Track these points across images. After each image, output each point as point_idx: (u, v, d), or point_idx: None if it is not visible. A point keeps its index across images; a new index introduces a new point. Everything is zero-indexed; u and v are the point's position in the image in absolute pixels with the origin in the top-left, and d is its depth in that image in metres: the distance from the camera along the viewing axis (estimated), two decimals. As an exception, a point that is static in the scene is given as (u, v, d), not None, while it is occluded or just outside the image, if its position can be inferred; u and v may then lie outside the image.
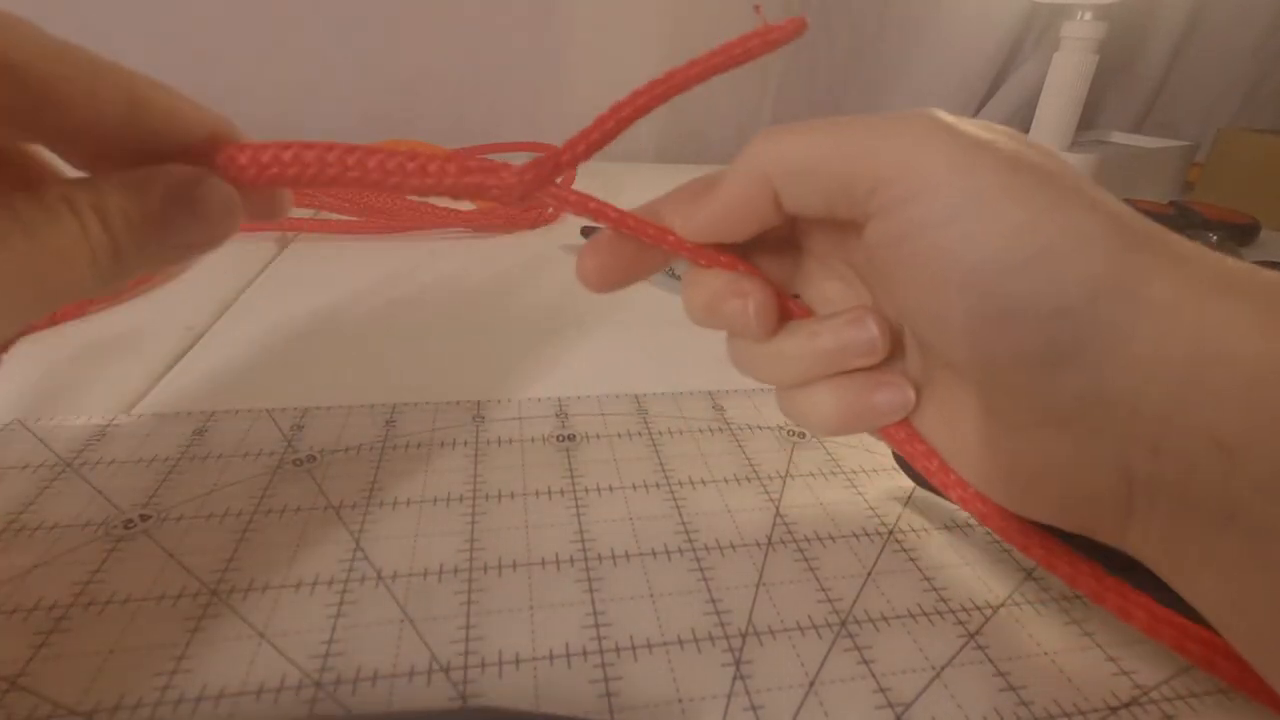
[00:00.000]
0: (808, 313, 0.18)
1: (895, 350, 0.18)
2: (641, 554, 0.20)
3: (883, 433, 0.18)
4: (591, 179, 0.63)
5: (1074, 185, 0.14)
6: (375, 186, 0.15)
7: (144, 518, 0.20)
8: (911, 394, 0.18)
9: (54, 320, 0.31)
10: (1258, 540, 0.12)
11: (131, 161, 0.14)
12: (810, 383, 0.18)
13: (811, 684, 0.16)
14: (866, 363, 0.18)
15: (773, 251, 0.19)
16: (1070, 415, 0.14)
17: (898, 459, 0.23)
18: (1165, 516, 0.13)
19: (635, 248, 0.18)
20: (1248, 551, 0.12)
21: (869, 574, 0.19)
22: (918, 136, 0.14)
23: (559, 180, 0.17)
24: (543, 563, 0.19)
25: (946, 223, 0.14)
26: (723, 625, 0.17)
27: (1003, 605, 0.18)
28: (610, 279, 0.18)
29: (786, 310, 0.18)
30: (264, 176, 0.15)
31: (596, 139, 0.17)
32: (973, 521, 0.21)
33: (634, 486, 0.22)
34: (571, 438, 0.25)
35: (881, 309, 0.18)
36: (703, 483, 0.23)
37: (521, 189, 0.16)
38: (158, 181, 0.14)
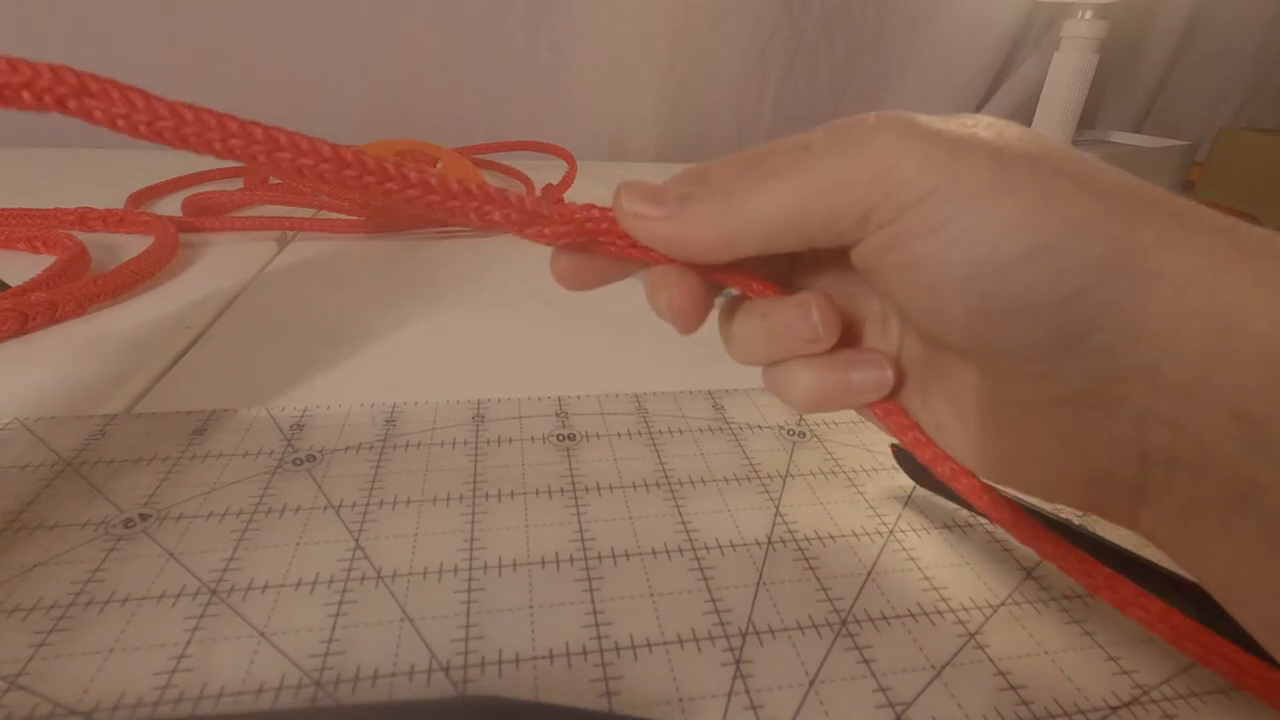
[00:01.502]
0: (768, 292, 0.18)
1: (859, 333, 0.18)
2: (641, 553, 0.20)
3: (878, 416, 0.18)
4: (593, 179, 0.63)
5: (1061, 168, 0.13)
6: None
7: (144, 517, 0.20)
8: (889, 374, 0.17)
9: (54, 319, 0.31)
10: (1276, 522, 0.12)
11: None
12: (788, 359, 0.18)
13: (812, 683, 0.16)
14: (812, 350, 0.17)
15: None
16: (1084, 394, 0.14)
17: (898, 458, 0.23)
18: (1181, 496, 0.13)
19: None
20: (1264, 534, 0.12)
21: (869, 573, 0.19)
22: (889, 151, 0.14)
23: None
24: (542, 562, 0.19)
25: (937, 229, 0.14)
26: (723, 624, 0.17)
27: (1003, 605, 0.18)
28: (584, 279, 0.18)
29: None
30: None
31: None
32: (973, 521, 0.21)
33: (634, 486, 0.22)
34: (571, 437, 0.25)
35: (874, 297, 0.18)
36: (703, 482, 0.23)
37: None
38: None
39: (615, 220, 0.17)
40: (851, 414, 0.27)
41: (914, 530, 0.21)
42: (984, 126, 0.14)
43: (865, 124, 0.14)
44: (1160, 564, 0.18)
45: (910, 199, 0.14)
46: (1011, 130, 0.14)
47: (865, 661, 0.17)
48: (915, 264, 0.14)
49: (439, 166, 0.54)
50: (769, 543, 0.20)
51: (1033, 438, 0.15)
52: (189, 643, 0.16)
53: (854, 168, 0.14)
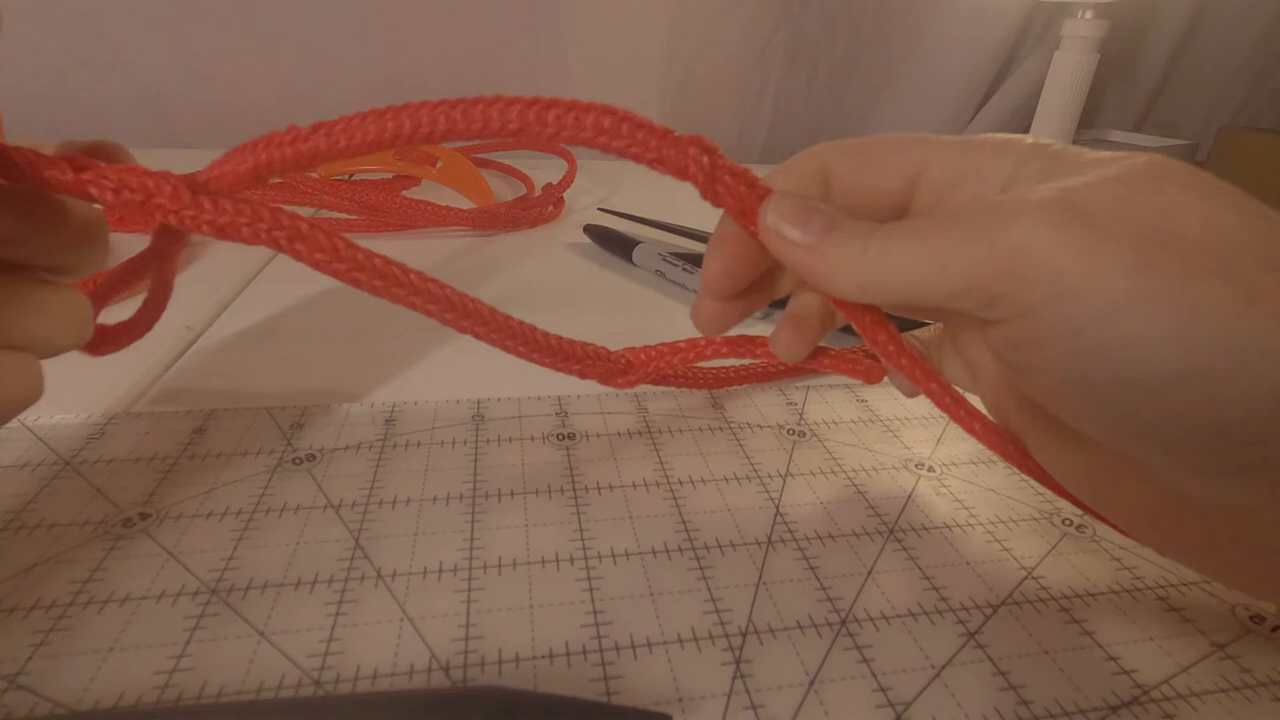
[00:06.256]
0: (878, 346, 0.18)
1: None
2: (641, 553, 0.20)
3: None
4: (593, 178, 0.63)
5: (1228, 269, 0.11)
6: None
7: (143, 516, 0.20)
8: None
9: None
10: None
11: None
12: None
13: (811, 683, 0.16)
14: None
15: None
16: (1262, 513, 0.12)
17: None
18: None
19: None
20: None
21: (869, 573, 0.19)
22: (1022, 240, 0.12)
23: None
24: (542, 561, 0.19)
25: (1067, 337, 0.12)
26: (723, 624, 0.17)
27: (1003, 604, 0.18)
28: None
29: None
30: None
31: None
32: (973, 520, 0.21)
33: (634, 485, 0.22)
34: (571, 436, 0.25)
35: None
36: (702, 481, 0.23)
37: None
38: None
39: (686, 360, 0.21)
40: (852, 414, 0.27)
41: (914, 530, 0.21)
42: (1139, 206, 0.12)
43: (1001, 208, 0.13)
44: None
45: (1037, 299, 0.12)
46: (1187, 204, 0.12)
47: (865, 661, 0.17)
48: (1043, 368, 0.13)
49: (438, 166, 0.54)
50: (769, 542, 0.20)
51: (1186, 522, 0.14)
52: (188, 642, 0.16)
53: (983, 253, 0.13)
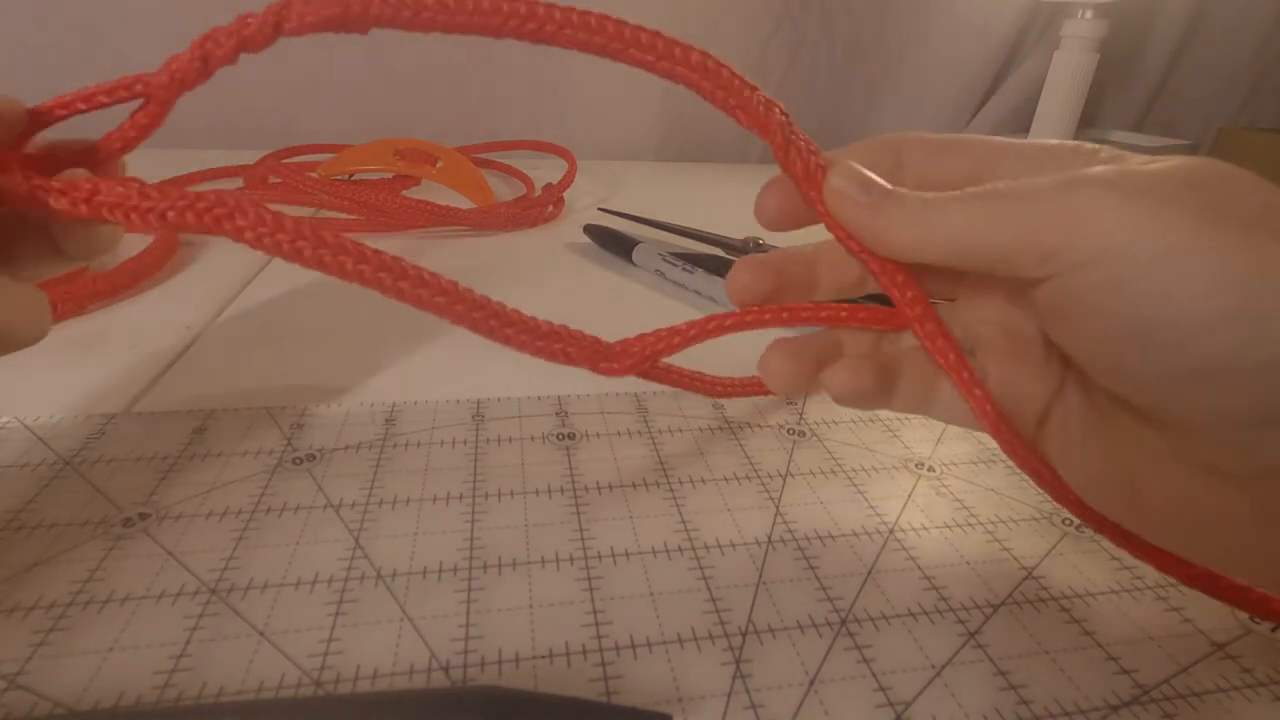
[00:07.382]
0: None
1: (1014, 370, 0.19)
2: (641, 552, 0.20)
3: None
4: (593, 178, 0.63)
5: (1275, 226, 0.12)
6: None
7: (143, 516, 0.20)
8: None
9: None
10: None
11: None
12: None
13: (811, 683, 0.16)
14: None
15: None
16: (1273, 475, 0.13)
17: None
18: None
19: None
20: None
21: (869, 572, 0.19)
22: (1085, 202, 0.13)
23: None
24: (542, 561, 0.19)
25: (1122, 286, 0.13)
26: (723, 624, 0.17)
27: (1003, 604, 0.18)
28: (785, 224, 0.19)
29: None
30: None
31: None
32: (973, 520, 0.21)
33: (634, 485, 0.22)
34: (571, 436, 0.25)
35: (1037, 336, 0.18)
36: (702, 481, 0.23)
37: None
38: None
39: (686, 340, 0.20)
40: (852, 414, 0.27)
41: (914, 530, 0.21)
42: (1184, 185, 0.13)
43: (1061, 181, 0.14)
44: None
45: (1094, 252, 0.13)
46: (1246, 192, 0.13)
47: (865, 661, 0.17)
48: (1104, 314, 0.14)
49: (438, 166, 0.54)
50: (769, 542, 0.20)
51: (1219, 505, 0.14)
52: (188, 642, 0.16)
53: (1044, 211, 0.14)
